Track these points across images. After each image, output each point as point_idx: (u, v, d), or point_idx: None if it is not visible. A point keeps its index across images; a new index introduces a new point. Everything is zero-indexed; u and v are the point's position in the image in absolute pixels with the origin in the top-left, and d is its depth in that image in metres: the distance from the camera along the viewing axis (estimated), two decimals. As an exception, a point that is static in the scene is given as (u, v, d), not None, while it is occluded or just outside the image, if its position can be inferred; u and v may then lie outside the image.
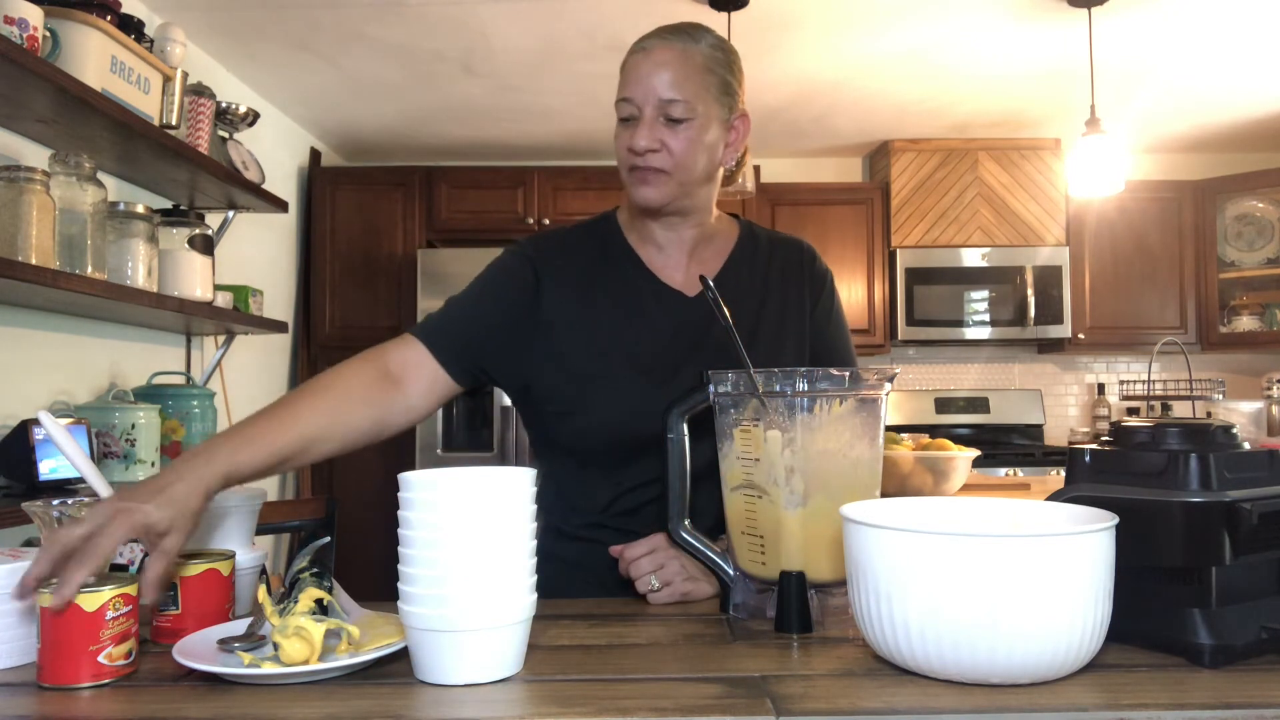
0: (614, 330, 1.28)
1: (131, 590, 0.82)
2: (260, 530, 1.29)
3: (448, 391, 1.26)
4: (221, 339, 3.18)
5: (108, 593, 0.80)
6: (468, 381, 1.27)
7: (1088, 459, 0.92)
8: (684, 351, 1.28)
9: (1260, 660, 0.82)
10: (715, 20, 2.98)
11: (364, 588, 1.26)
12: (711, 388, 1.05)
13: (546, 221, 4.07)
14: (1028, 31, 3.16)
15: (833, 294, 1.41)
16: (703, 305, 1.30)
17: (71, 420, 2.11)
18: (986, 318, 4.27)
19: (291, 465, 1.06)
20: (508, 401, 2.57)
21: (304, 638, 0.80)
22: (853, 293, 4.35)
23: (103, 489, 0.95)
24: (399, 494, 0.81)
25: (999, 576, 0.73)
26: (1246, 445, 0.88)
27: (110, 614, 0.80)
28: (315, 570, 0.95)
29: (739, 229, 1.40)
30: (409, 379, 1.21)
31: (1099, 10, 2.94)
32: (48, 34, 2.06)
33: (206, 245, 2.69)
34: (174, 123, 2.53)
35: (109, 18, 2.21)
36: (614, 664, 0.85)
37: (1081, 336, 4.34)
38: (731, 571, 1.05)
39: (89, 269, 2.11)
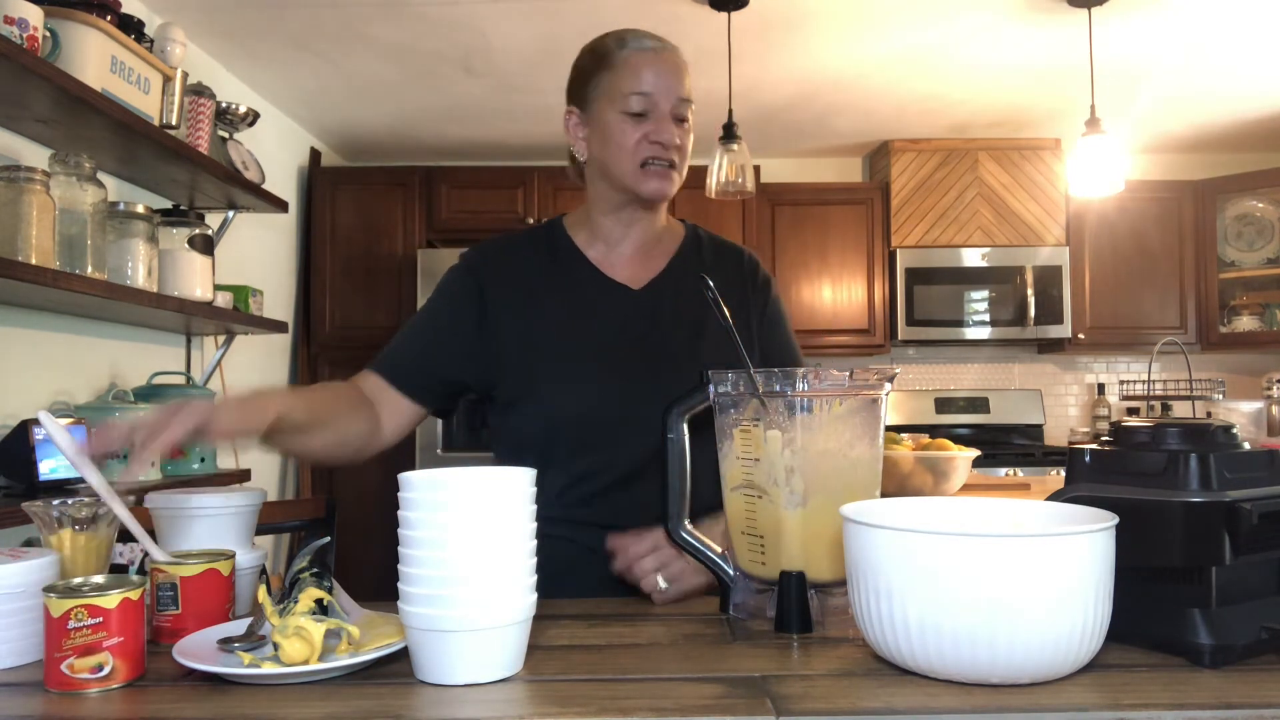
0: (560, 324, 1.32)
1: (103, 602, 0.79)
2: (260, 530, 1.29)
3: (415, 416, 1.33)
4: (221, 339, 3.18)
5: (69, 601, 0.78)
6: (434, 400, 1.33)
7: (1088, 459, 0.92)
8: (631, 343, 1.31)
9: (1260, 660, 0.82)
10: (715, 20, 2.98)
11: (364, 588, 1.26)
12: (711, 388, 1.05)
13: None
14: (1028, 31, 3.16)
15: (777, 301, 1.44)
16: (648, 298, 1.35)
17: (71, 420, 2.11)
18: (986, 318, 4.28)
19: (303, 439, 1.18)
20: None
21: (304, 638, 0.80)
22: (853, 293, 4.35)
23: (103, 489, 0.95)
24: (399, 494, 0.81)
25: (999, 576, 0.73)
26: (1246, 445, 0.88)
27: (72, 624, 0.78)
28: (315, 570, 0.95)
29: (685, 231, 1.44)
30: (378, 409, 1.30)
31: (1099, 10, 2.94)
32: (48, 34, 2.06)
33: (206, 245, 2.69)
34: (174, 123, 2.53)
35: (109, 18, 2.21)
36: (614, 664, 0.85)
37: (1081, 336, 4.34)
38: (731, 571, 1.05)
39: (89, 269, 2.11)
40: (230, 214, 3.09)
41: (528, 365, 1.30)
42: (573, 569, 1.23)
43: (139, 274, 2.36)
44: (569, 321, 1.32)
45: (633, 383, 1.27)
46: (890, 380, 1.03)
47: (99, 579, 0.84)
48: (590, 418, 1.27)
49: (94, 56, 2.16)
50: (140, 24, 2.40)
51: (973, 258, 4.29)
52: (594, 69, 1.33)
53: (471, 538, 0.79)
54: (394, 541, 0.82)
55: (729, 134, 3.05)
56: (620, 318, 1.33)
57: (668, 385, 1.25)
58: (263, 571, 1.10)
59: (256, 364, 3.66)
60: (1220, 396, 4.20)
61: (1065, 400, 4.73)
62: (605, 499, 1.27)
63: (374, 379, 1.31)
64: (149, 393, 2.63)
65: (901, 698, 0.73)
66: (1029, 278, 4.26)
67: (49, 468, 2.01)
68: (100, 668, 0.79)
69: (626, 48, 1.31)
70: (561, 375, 1.28)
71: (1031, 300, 4.25)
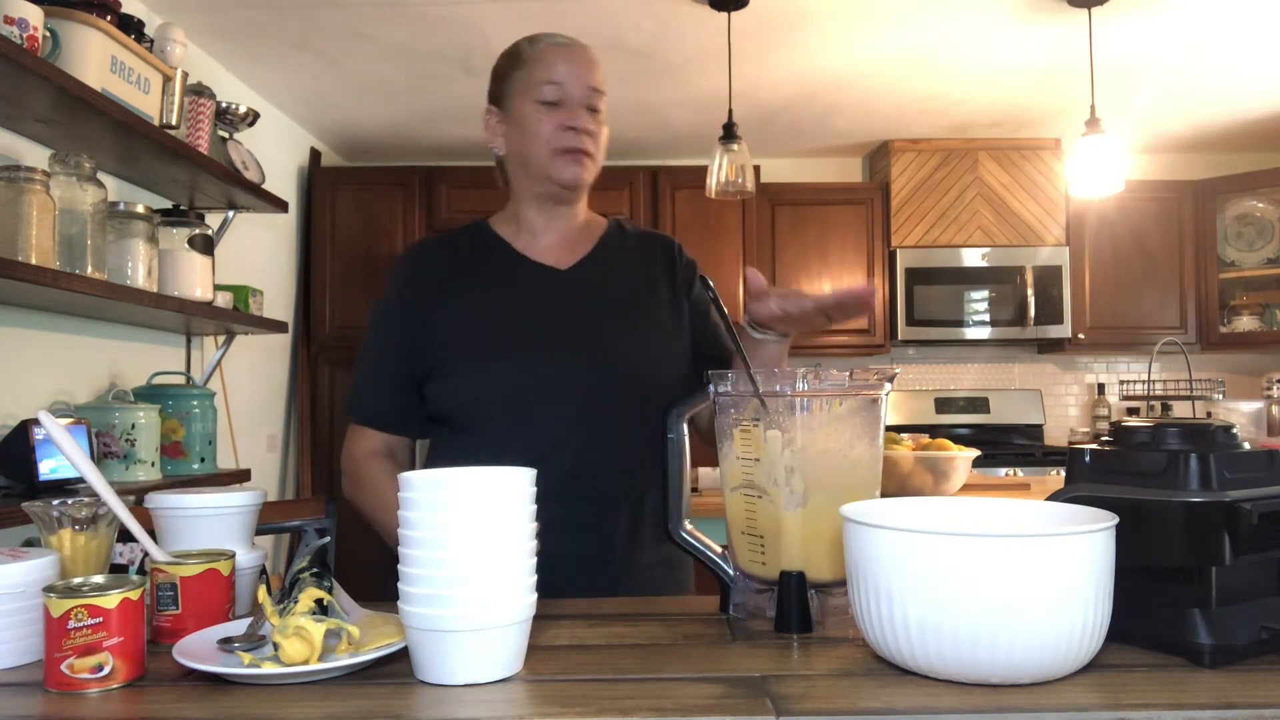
0: (488, 304, 1.36)
1: (103, 603, 0.79)
2: (260, 530, 1.29)
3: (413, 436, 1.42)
4: (221, 339, 3.18)
5: (69, 601, 0.78)
6: (424, 414, 1.39)
7: (1088, 459, 0.92)
8: (558, 319, 1.35)
9: (1260, 660, 0.82)
10: (715, 20, 2.98)
11: (364, 588, 1.25)
12: (711, 388, 1.05)
13: (546, 221, 4.07)
14: (1028, 31, 3.16)
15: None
16: (575, 277, 1.39)
17: (71, 420, 2.11)
18: (986, 318, 4.28)
19: None
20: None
21: (304, 638, 0.80)
22: (853, 293, 4.34)
23: (103, 489, 0.95)
24: (400, 494, 0.81)
25: (999, 576, 0.73)
26: (1246, 445, 0.88)
27: (72, 624, 0.78)
28: (315, 570, 0.95)
29: (608, 222, 1.49)
30: (397, 455, 1.41)
31: (1099, 10, 2.94)
32: (48, 34, 2.06)
33: (206, 245, 2.69)
34: (174, 123, 2.53)
35: (109, 18, 2.21)
36: (614, 664, 0.85)
37: (1081, 336, 4.34)
38: (731, 571, 1.05)
39: (89, 269, 2.11)
40: (230, 214, 3.09)
41: (458, 344, 1.33)
42: None
43: (139, 274, 2.36)
44: (496, 301, 1.36)
45: (560, 356, 1.31)
46: (890, 380, 1.03)
47: (99, 579, 0.84)
48: (519, 391, 1.30)
49: (94, 56, 2.16)
50: (140, 24, 2.40)
51: (973, 258, 4.29)
52: (509, 68, 1.40)
53: (471, 538, 0.79)
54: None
55: (729, 134, 3.05)
56: (547, 295, 1.37)
57: (594, 358, 1.31)
58: (263, 571, 1.10)
59: (256, 364, 3.66)
60: (1220, 396, 4.20)
61: (1065, 400, 4.73)
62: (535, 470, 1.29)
63: (373, 437, 1.39)
64: (149, 393, 2.63)
65: (901, 698, 0.73)
66: (1029, 278, 4.26)
67: (49, 468, 2.01)
68: (100, 668, 0.78)
69: (538, 44, 1.38)
70: (490, 352, 1.32)
71: (1031, 300, 4.25)
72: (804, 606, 0.95)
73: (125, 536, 0.93)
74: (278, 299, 3.84)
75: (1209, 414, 4.17)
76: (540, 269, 1.39)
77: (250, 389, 3.58)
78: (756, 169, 3.74)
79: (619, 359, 1.32)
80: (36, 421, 1.80)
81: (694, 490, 3.08)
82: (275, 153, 3.80)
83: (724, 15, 2.93)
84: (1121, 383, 4.55)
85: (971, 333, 4.29)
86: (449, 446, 1.37)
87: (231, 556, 0.97)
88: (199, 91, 2.69)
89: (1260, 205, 4.37)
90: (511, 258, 1.40)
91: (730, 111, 3.10)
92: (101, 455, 2.33)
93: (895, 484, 2.00)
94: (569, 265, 1.40)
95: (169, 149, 2.42)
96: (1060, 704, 0.71)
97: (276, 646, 0.80)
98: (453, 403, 1.34)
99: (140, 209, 2.38)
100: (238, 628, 0.90)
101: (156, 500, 1.04)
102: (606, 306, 1.36)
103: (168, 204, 2.81)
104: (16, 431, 2.03)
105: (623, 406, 1.30)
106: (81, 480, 0.94)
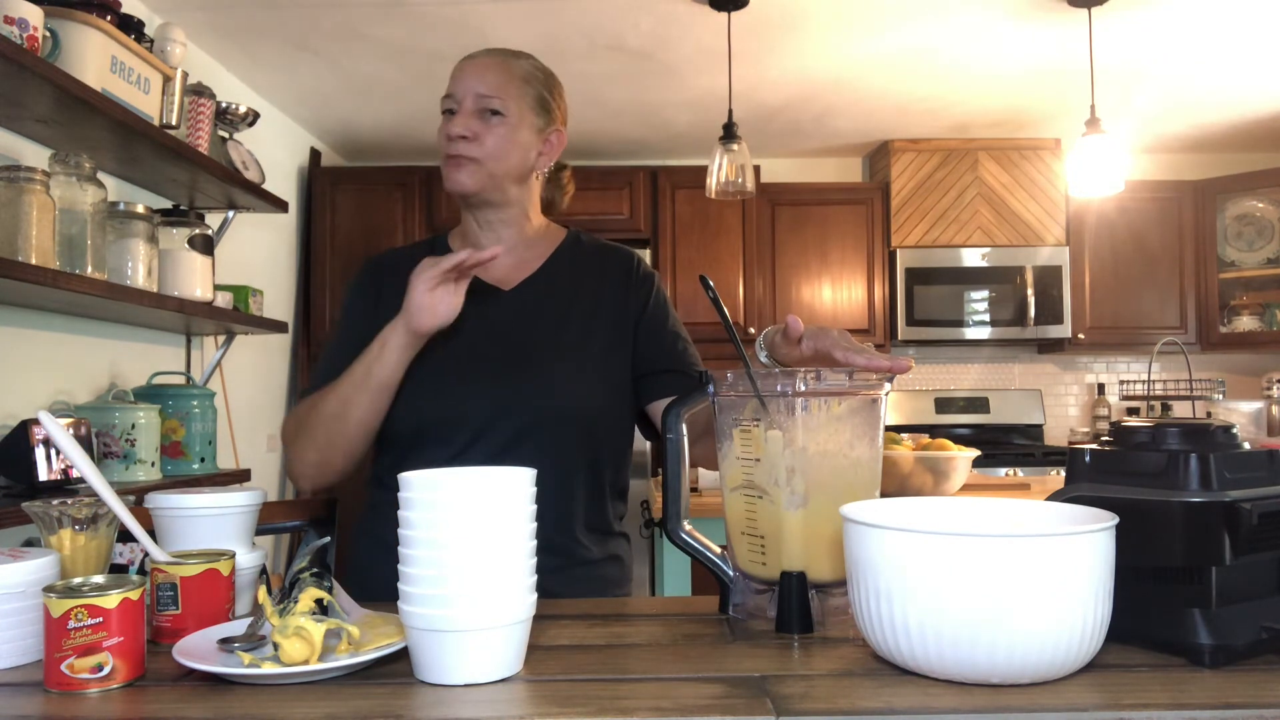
0: None
1: (103, 603, 0.79)
2: (260, 530, 1.29)
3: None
4: (221, 339, 3.18)
5: (69, 601, 0.78)
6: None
7: (1088, 459, 0.92)
8: (497, 341, 1.35)
9: (1260, 660, 0.82)
10: (715, 20, 2.98)
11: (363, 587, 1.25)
12: (711, 388, 1.05)
13: (546, 221, 4.07)
14: (1028, 31, 3.16)
15: (660, 296, 1.45)
16: (517, 298, 1.39)
17: (71, 420, 2.11)
18: (986, 318, 4.28)
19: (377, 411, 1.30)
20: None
21: (304, 638, 0.80)
22: (853, 293, 4.35)
23: (102, 489, 0.95)
24: (399, 494, 0.81)
25: (999, 576, 0.73)
26: (1246, 445, 0.88)
27: (72, 624, 0.78)
28: (315, 570, 0.95)
29: (565, 237, 1.47)
30: None
31: (1099, 10, 2.94)
32: (48, 34, 2.06)
33: (206, 245, 2.69)
34: (174, 123, 2.53)
35: (109, 18, 2.21)
36: (614, 664, 0.85)
37: (1081, 336, 4.34)
38: (731, 572, 1.05)
39: (89, 269, 2.11)
40: (230, 214, 3.09)
41: None
42: None
43: (139, 274, 2.36)
44: None
45: (497, 379, 1.31)
46: (890, 380, 1.03)
47: (99, 579, 0.84)
48: (453, 414, 1.30)
49: (94, 56, 2.16)
50: (140, 24, 2.40)
51: (973, 258, 4.29)
52: None
53: (471, 538, 0.79)
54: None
55: (729, 134, 3.05)
56: (488, 317, 1.36)
57: (532, 381, 1.31)
58: (263, 571, 1.10)
59: (256, 364, 3.66)
60: (1220, 396, 4.20)
61: (1065, 400, 4.73)
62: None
63: None
64: (149, 393, 2.63)
65: (901, 698, 0.73)
66: (1029, 278, 4.26)
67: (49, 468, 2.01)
68: (100, 668, 0.78)
69: (458, 63, 1.39)
70: (425, 374, 1.31)
71: (1031, 300, 4.25)
72: (805, 607, 0.95)
73: (125, 536, 0.93)
74: (278, 299, 3.84)
75: (1209, 414, 4.18)
76: (484, 290, 1.37)
77: (250, 389, 3.58)
78: (756, 169, 3.74)
79: (543, 390, 1.31)
80: (36, 421, 1.80)
81: (693, 490, 3.08)
82: (275, 153, 3.80)
83: (724, 15, 2.93)
84: (1121, 383, 4.55)
85: (971, 333, 4.29)
86: (376, 465, 1.39)
87: (231, 556, 0.97)
88: (199, 91, 2.69)
89: (1260, 205, 4.37)
90: None
91: (730, 111, 3.10)
92: (101, 455, 2.33)
93: (895, 484, 2.00)
94: (512, 286, 1.39)
95: (169, 149, 2.42)
96: (1060, 704, 0.71)
97: (276, 646, 0.80)
98: (390, 423, 1.33)
99: (140, 209, 2.38)
100: (238, 628, 0.90)
101: (156, 500, 1.04)
102: (541, 333, 1.35)
103: (168, 204, 2.81)
104: (16, 431, 2.03)
105: (547, 437, 1.30)
106: (81, 480, 0.94)
